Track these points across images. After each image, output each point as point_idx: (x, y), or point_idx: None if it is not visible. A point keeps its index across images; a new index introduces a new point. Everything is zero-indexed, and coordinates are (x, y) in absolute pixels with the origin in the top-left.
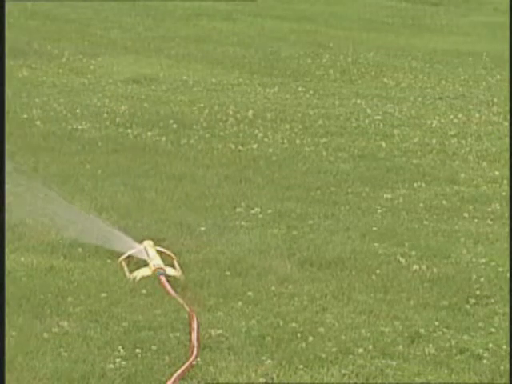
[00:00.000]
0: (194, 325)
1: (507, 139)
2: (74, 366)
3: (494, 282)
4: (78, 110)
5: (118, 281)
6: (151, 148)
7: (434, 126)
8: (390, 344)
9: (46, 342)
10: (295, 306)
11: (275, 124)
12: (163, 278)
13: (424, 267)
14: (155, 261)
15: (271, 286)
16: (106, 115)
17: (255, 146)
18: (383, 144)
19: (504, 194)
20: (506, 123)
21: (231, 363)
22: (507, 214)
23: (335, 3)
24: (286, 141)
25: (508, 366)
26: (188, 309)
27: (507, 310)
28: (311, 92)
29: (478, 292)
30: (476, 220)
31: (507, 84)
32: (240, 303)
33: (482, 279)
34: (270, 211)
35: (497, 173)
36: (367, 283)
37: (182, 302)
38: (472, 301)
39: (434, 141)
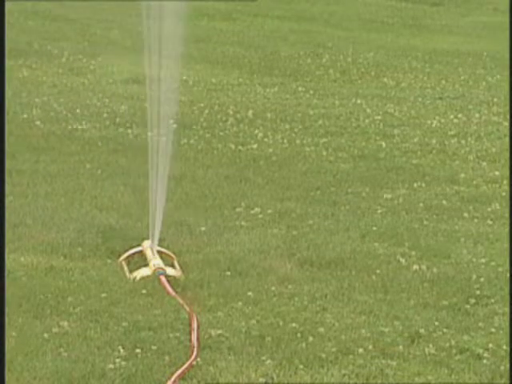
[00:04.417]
0: (194, 325)
1: (507, 139)
2: (74, 366)
3: (494, 282)
4: (78, 110)
5: (118, 281)
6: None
7: (433, 126)
8: (390, 344)
9: (46, 341)
10: (295, 306)
11: (275, 124)
12: (163, 278)
13: (424, 267)
14: (155, 261)
15: (271, 286)
16: (105, 115)
17: (255, 146)
18: (383, 144)
19: (504, 194)
20: (506, 123)
21: (231, 363)
22: (507, 214)
23: (335, 3)
24: (285, 141)
25: (508, 365)
26: (188, 309)
27: (507, 309)
28: (311, 92)
29: (478, 292)
30: (476, 220)
31: (507, 84)
32: (240, 303)
33: (482, 279)
34: (269, 211)
35: (497, 173)
36: (367, 283)
37: (181, 302)
38: (472, 301)
39: (433, 141)
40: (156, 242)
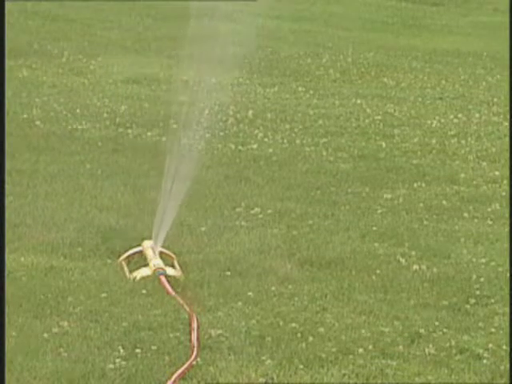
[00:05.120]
0: (194, 325)
1: (507, 139)
2: (74, 366)
3: (494, 282)
4: (78, 110)
5: (118, 281)
6: (151, 148)
7: (434, 126)
8: (389, 344)
9: (45, 341)
10: (295, 305)
11: (275, 124)
12: (163, 278)
13: (424, 267)
14: (155, 261)
15: (271, 286)
16: (105, 115)
17: (255, 146)
18: (383, 144)
19: (504, 194)
20: (506, 123)
21: (231, 363)
22: (507, 214)
23: (335, 3)
24: (285, 141)
25: (508, 365)
26: (188, 309)
27: (507, 309)
28: (311, 92)
29: (478, 292)
30: (476, 220)
31: (507, 84)
32: (240, 303)
33: (482, 279)
34: (269, 211)
35: (497, 173)
36: (367, 283)
37: (181, 302)
38: (472, 301)
39: (433, 141)
40: (160, 243)
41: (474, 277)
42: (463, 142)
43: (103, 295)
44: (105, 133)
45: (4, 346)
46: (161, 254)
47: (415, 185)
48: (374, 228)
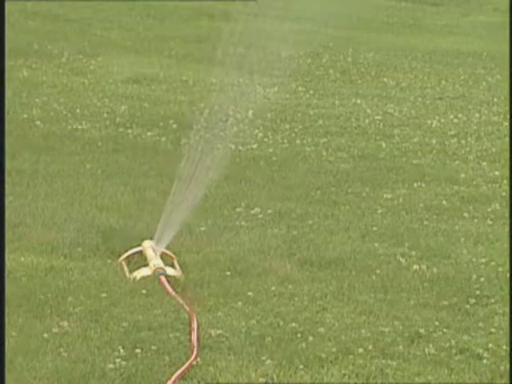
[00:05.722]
0: (194, 325)
1: (507, 139)
2: (74, 366)
3: (494, 282)
4: (78, 110)
5: (118, 281)
6: (151, 148)
7: (434, 126)
8: (389, 344)
9: (46, 341)
10: (295, 306)
11: (275, 124)
12: (163, 278)
13: (424, 267)
14: (155, 261)
15: (271, 286)
16: (105, 115)
17: (255, 146)
18: (383, 144)
19: (504, 194)
20: (506, 123)
21: (231, 363)
22: (507, 214)
23: (335, 3)
24: (285, 141)
25: (508, 366)
26: (188, 309)
27: (507, 309)
28: (311, 92)
29: (478, 292)
30: (476, 220)
31: (507, 84)
32: (240, 303)
33: (482, 279)
34: (269, 211)
35: (497, 173)
36: (367, 283)
37: (181, 302)
38: (472, 301)
39: (433, 141)
40: (164, 245)
41: (474, 277)
42: (463, 142)
43: (103, 295)
44: (105, 133)
45: (4, 346)
46: (161, 254)
47: (415, 185)
48: (374, 228)
